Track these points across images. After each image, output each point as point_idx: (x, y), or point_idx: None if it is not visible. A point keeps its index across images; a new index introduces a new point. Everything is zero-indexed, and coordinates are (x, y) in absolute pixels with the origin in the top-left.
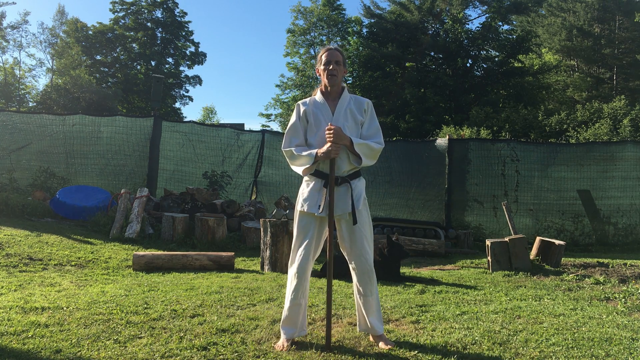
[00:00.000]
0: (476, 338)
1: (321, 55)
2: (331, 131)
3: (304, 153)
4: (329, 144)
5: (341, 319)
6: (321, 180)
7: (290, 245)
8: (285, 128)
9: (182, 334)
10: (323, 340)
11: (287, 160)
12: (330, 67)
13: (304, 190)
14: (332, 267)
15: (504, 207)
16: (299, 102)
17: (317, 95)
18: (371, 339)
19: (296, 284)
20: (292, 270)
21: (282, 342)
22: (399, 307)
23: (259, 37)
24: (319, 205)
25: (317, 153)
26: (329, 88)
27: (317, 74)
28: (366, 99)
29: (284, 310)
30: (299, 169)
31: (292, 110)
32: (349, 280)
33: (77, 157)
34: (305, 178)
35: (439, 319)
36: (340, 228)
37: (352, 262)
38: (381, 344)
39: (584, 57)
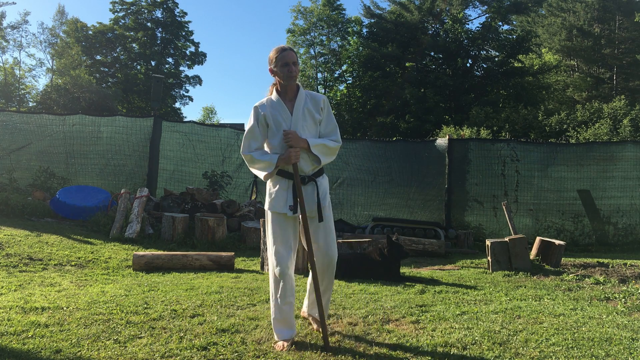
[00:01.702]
0: (476, 338)
1: (277, 56)
2: (289, 136)
3: (265, 158)
4: (289, 150)
5: (341, 319)
6: (287, 180)
7: None
8: None
9: (182, 334)
10: (323, 340)
11: (247, 164)
12: (291, 68)
13: (271, 190)
14: (314, 264)
15: (504, 207)
16: (256, 104)
17: (274, 96)
18: (311, 320)
19: (283, 285)
20: (276, 271)
21: (281, 343)
22: (399, 307)
23: (259, 37)
24: (291, 206)
25: (278, 158)
26: (286, 88)
27: (272, 75)
28: (322, 96)
29: (275, 312)
30: (260, 174)
31: None
32: (349, 280)
33: (77, 157)
34: (271, 179)
35: (439, 319)
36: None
37: (317, 258)
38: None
39: (584, 57)
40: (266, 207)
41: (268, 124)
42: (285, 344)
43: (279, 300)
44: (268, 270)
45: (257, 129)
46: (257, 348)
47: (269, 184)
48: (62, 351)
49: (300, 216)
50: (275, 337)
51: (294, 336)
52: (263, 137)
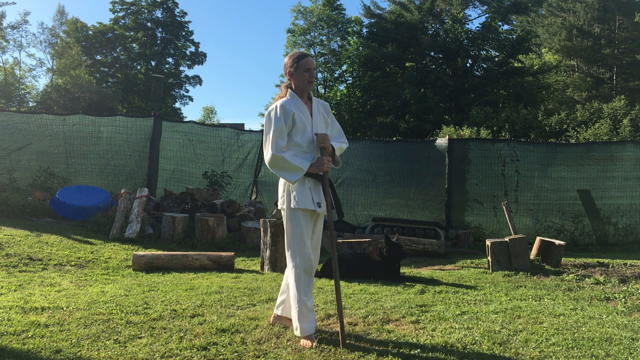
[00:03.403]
0: (476, 338)
1: (301, 61)
2: (325, 138)
3: (297, 163)
4: (322, 158)
5: None
6: (310, 179)
7: None
8: None
9: (182, 334)
10: (323, 339)
11: (271, 163)
12: (313, 74)
13: (294, 189)
14: (337, 265)
15: (504, 207)
16: (282, 103)
17: (292, 96)
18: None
19: (308, 280)
20: (305, 266)
21: (305, 341)
22: (399, 307)
23: (259, 36)
24: (317, 203)
25: (310, 165)
26: (302, 92)
27: (288, 77)
28: (325, 102)
29: (300, 309)
30: (290, 177)
31: None
32: (349, 280)
33: (77, 157)
34: None
35: (439, 319)
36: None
37: (315, 253)
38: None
39: (584, 57)
40: (292, 205)
41: (294, 123)
42: (310, 342)
43: (304, 296)
44: (292, 267)
45: (285, 128)
46: (257, 348)
47: (288, 184)
48: (62, 351)
49: (320, 214)
50: (299, 334)
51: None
52: (287, 136)
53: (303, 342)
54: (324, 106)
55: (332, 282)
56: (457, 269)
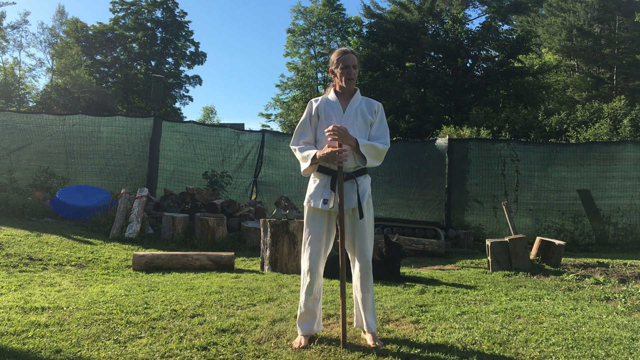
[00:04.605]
0: (476, 338)
1: (339, 58)
2: (339, 131)
3: (304, 153)
4: (334, 151)
5: (341, 319)
6: (327, 177)
7: (290, 246)
8: (285, 128)
9: (182, 334)
10: (323, 340)
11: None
12: (350, 71)
13: (311, 186)
14: (345, 265)
15: (504, 207)
16: (312, 99)
17: (330, 94)
18: (362, 334)
19: (310, 281)
20: (305, 267)
21: (299, 339)
22: (399, 307)
23: (259, 37)
24: (325, 200)
25: (315, 155)
26: (344, 89)
27: (331, 75)
28: (377, 102)
29: (300, 306)
30: (302, 167)
31: (292, 110)
32: (348, 280)
33: (77, 157)
34: (312, 174)
35: (439, 319)
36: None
37: (354, 259)
38: (369, 340)
39: (584, 57)
40: (305, 202)
41: (319, 117)
42: (304, 340)
43: (304, 295)
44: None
45: (308, 122)
46: (257, 348)
47: (309, 181)
48: (62, 351)
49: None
50: (298, 332)
51: (315, 332)
52: (313, 131)
53: (296, 340)
54: (369, 104)
55: (332, 282)
56: (457, 269)
